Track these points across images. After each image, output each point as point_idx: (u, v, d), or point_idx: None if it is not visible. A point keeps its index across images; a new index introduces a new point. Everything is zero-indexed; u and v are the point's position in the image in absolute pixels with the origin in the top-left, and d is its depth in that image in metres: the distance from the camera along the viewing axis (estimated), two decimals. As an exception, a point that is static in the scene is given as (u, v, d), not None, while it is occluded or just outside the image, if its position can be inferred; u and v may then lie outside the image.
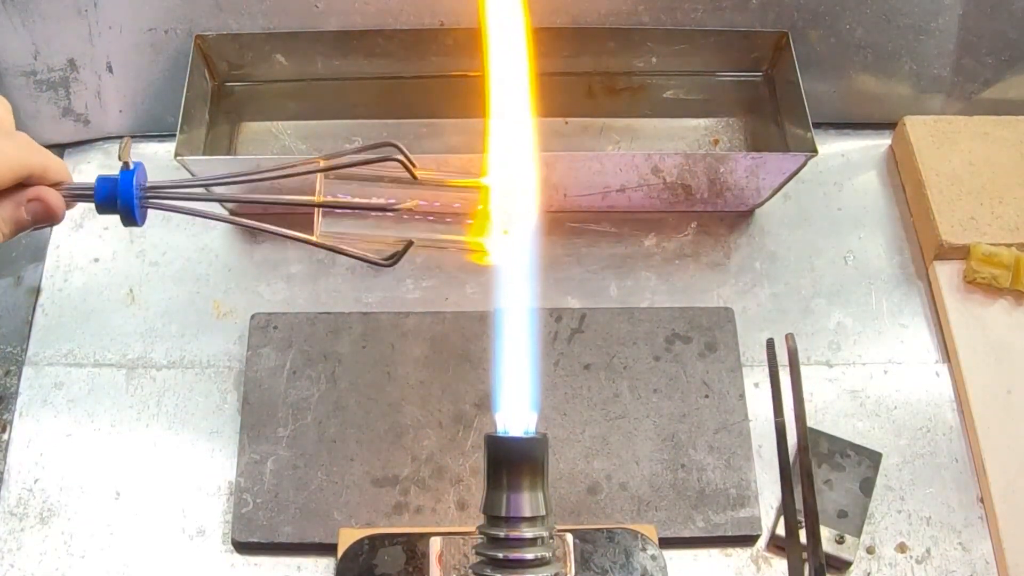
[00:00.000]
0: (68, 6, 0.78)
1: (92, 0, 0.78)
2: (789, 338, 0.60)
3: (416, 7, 0.81)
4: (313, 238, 0.47)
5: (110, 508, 0.68)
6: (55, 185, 0.45)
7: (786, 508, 0.61)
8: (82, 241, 0.80)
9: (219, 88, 0.84)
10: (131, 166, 0.46)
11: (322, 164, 0.47)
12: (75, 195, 0.47)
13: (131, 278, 0.78)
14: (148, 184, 0.47)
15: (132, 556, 0.66)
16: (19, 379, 0.73)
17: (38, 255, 0.79)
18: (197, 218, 0.80)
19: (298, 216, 0.48)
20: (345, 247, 0.47)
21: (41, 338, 0.75)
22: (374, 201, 0.47)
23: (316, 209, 0.47)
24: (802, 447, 0.60)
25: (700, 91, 0.87)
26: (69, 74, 0.82)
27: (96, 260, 0.79)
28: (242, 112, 0.85)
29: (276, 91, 0.85)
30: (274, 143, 0.84)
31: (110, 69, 0.82)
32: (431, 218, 0.47)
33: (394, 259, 0.47)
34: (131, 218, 0.46)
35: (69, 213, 0.80)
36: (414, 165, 0.46)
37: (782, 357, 0.61)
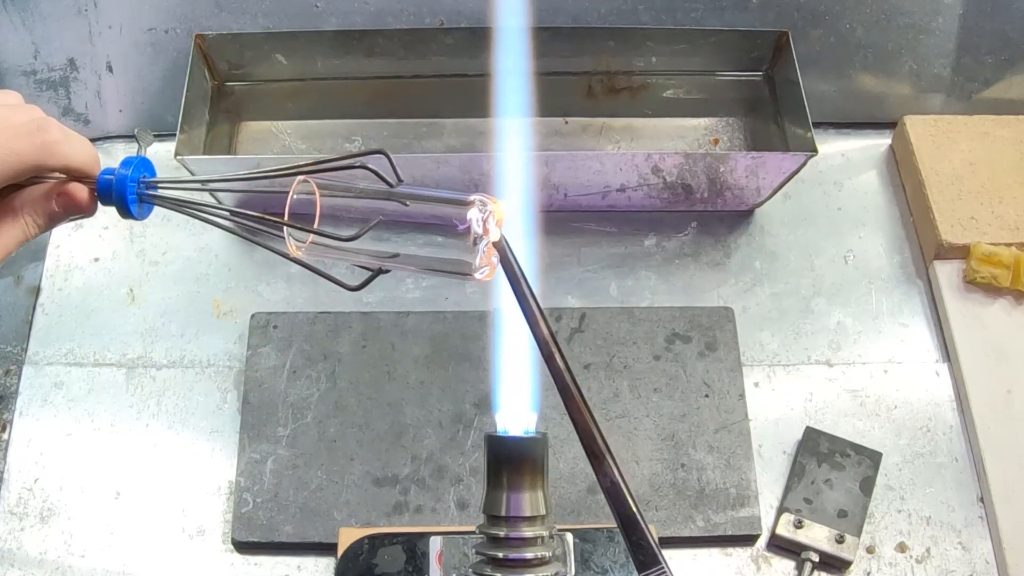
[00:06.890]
0: (68, 6, 0.78)
1: (92, 0, 0.78)
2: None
3: (416, 7, 0.81)
4: (290, 253, 0.47)
5: (110, 508, 0.68)
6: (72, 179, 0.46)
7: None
8: (82, 241, 0.80)
9: (219, 88, 0.84)
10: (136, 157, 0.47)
11: (303, 166, 0.47)
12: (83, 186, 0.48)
13: (131, 278, 0.78)
14: (148, 180, 0.47)
15: (132, 556, 0.66)
16: (19, 379, 0.73)
17: (38, 255, 0.79)
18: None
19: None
20: (315, 265, 0.48)
21: (41, 338, 0.75)
22: (338, 194, 0.46)
23: (286, 225, 0.47)
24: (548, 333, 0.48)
25: (700, 91, 0.87)
26: (69, 74, 0.82)
27: (96, 260, 0.79)
28: (242, 112, 0.85)
29: (276, 91, 0.85)
30: (274, 143, 0.84)
31: (110, 69, 0.82)
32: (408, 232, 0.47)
33: (363, 284, 0.47)
34: (126, 211, 0.47)
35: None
36: (400, 180, 0.45)
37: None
